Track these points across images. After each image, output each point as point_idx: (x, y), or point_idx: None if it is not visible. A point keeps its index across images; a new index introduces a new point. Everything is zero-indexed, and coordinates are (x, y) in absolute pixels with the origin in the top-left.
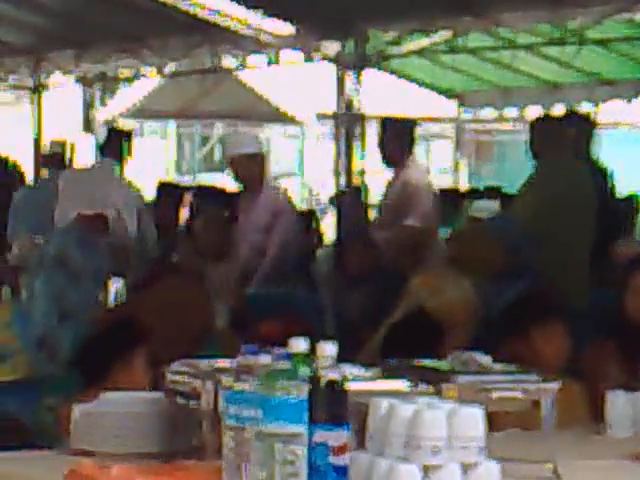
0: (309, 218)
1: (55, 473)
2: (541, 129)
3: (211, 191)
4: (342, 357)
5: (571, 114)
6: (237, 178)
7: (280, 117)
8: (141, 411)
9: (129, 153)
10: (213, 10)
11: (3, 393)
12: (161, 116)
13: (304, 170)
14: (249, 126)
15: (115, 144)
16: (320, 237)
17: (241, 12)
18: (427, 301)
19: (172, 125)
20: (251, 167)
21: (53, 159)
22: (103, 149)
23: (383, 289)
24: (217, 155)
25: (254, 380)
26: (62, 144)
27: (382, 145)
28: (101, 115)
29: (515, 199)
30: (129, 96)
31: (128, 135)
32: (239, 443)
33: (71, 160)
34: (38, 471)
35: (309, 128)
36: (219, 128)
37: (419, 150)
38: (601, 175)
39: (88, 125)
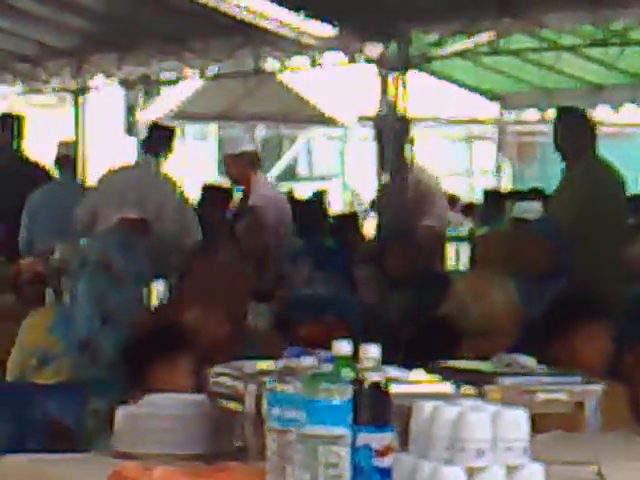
0: (351, 220)
1: (98, 475)
2: (570, 129)
3: None
4: (384, 359)
5: (563, 111)
6: (229, 177)
7: (322, 119)
8: (184, 413)
9: (170, 150)
10: (255, 12)
11: (46, 395)
12: (203, 118)
13: (346, 172)
14: (291, 128)
15: (156, 141)
16: (362, 239)
17: (283, 14)
18: (472, 305)
19: (214, 127)
20: (238, 165)
21: (63, 161)
22: (144, 146)
23: (425, 291)
24: None
25: (297, 382)
26: (70, 145)
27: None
28: (143, 117)
29: (551, 200)
30: (171, 98)
31: (171, 131)
32: (282, 445)
33: (75, 160)
34: (80, 473)
35: (351, 130)
36: (261, 130)
37: (462, 151)
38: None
39: (130, 127)
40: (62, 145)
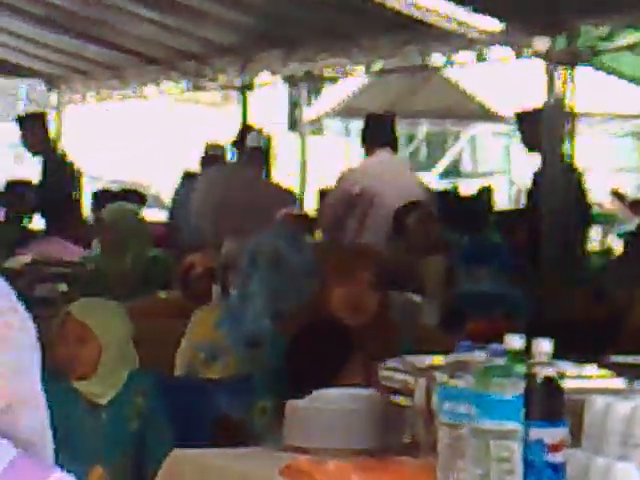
0: (518, 216)
1: (268, 469)
2: None
3: None
4: (555, 355)
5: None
6: None
7: (487, 115)
8: (353, 408)
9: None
10: (422, 7)
11: (215, 390)
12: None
13: (512, 168)
14: (455, 124)
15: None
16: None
17: (450, 8)
18: None
19: None
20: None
21: (209, 161)
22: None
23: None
24: (423, 153)
25: (469, 376)
26: (218, 147)
27: (364, 140)
28: (307, 114)
29: None
30: (335, 95)
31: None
32: (453, 440)
33: (224, 160)
34: (251, 467)
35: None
36: (425, 126)
37: (630, 147)
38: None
39: (293, 124)
40: (210, 146)
